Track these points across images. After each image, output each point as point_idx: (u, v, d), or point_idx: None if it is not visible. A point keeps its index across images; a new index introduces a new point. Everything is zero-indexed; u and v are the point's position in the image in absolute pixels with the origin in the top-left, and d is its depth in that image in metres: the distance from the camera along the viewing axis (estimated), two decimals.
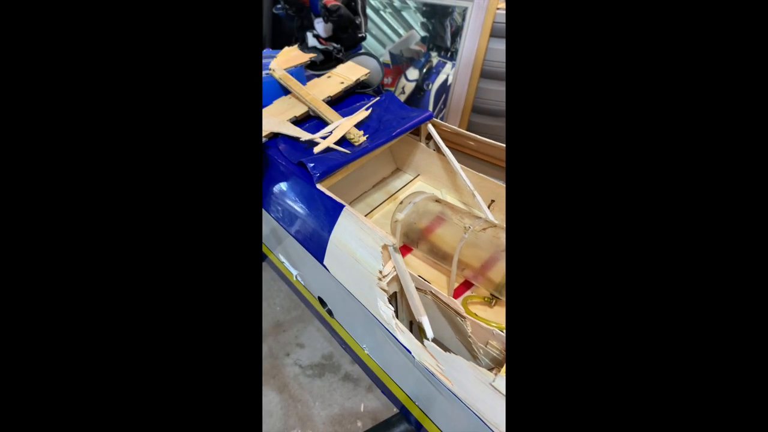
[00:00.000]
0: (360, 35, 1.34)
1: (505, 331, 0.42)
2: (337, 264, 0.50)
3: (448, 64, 1.70)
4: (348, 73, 0.66)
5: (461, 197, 0.66)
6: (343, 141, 0.56)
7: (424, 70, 1.72)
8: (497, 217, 0.63)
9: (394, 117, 0.61)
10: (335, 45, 1.16)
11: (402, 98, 1.71)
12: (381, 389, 0.67)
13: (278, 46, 1.02)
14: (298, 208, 0.54)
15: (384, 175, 0.71)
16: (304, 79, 0.67)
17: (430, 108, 1.77)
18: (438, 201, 0.58)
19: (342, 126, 0.56)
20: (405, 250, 0.60)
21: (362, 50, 1.31)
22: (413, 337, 0.44)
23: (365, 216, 0.66)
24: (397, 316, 0.45)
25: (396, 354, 0.48)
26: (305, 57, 0.67)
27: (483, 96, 1.68)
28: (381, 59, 1.64)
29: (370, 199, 0.68)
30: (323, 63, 1.05)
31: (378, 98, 0.65)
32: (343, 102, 0.65)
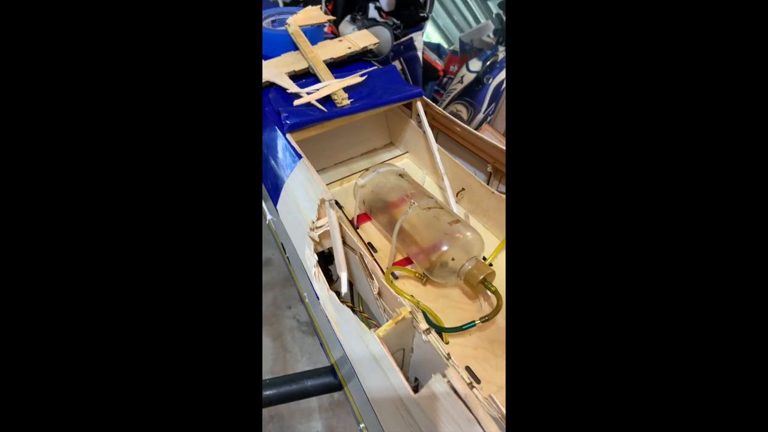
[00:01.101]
0: (422, 14, 1.34)
1: (417, 303, 0.44)
2: (286, 211, 0.54)
3: None
4: (359, 40, 0.68)
5: (438, 180, 0.66)
6: (328, 101, 0.59)
7: (488, 63, 1.68)
8: (464, 206, 0.62)
9: (387, 88, 0.62)
10: (395, 20, 1.17)
11: (459, 87, 1.68)
12: (320, 343, 0.71)
13: (348, 11, 1.05)
14: (269, 153, 0.58)
15: (376, 146, 0.73)
16: (320, 38, 0.70)
17: (485, 105, 1.73)
18: (401, 176, 0.59)
19: (330, 86, 0.59)
20: (365, 218, 0.62)
21: (421, 29, 1.31)
22: (325, 286, 0.46)
23: (342, 179, 0.69)
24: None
25: (319, 305, 0.51)
26: (324, 18, 0.70)
27: None
28: (452, 47, 1.63)
29: (355, 165, 0.70)
30: None
31: (377, 68, 0.66)
32: (347, 67, 0.67)
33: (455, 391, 0.32)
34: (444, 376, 0.33)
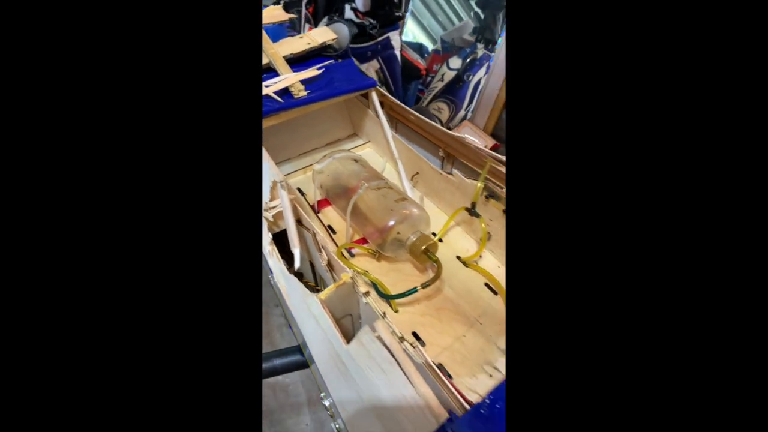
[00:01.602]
0: (397, 14, 1.38)
1: (365, 273, 0.47)
2: None
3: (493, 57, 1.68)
4: (318, 36, 0.72)
5: (396, 166, 0.70)
6: (286, 93, 0.63)
7: (467, 61, 1.72)
8: (420, 189, 0.66)
9: (344, 80, 0.66)
10: (371, 20, 1.21)
11: (440, 85, 1.73)
12: (289, 326, 0.74)
13: (328, 12, 1.08)
14: None
15: (339, 137, 0.77)
16: (283, 35, 0.74)
17: (466, 101, 1.77)
18: (356, 161, 0.62)
19: (288, 79, 0.63)
20: (325, 203, 0.66)
21: (398, 28, 1.34)
22: (279, 261, 0.50)
23: (306, 167, 0.72)
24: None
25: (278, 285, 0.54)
26: (285, 16, 0.74)
27: None
28: (435, 46, 1.67)
29: (319, 155, 0.74)
30: (357, 37, 1.10)
31: (334, 62, 0.70)
32: (306, 62, 0.71)
33: (380, 339, 0.35)
34: (373, 328, 0.36)
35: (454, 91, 1.71)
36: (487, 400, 0.31)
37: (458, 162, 0.64)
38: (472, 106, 1.70)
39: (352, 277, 0.44)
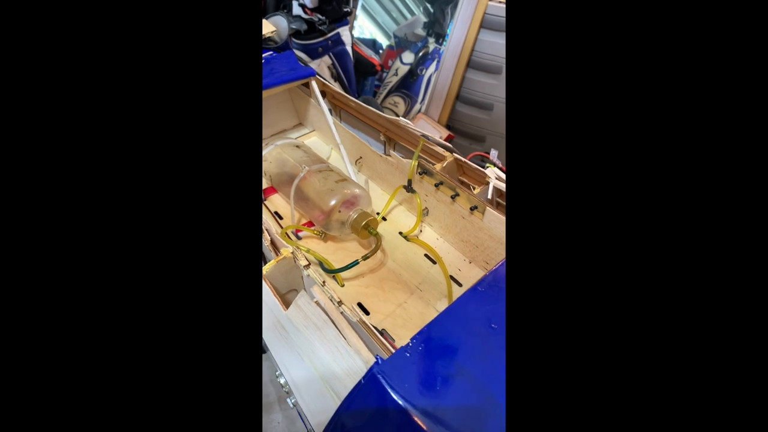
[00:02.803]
0: (345, 9, 1.41)
1: (308, 251, 0.50)
2: None
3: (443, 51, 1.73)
4: None
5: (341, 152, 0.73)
6: None
7: (420, 55, 1.77)
8: (364, 172, 0.69)
9: (284, 71, 0.68)
10: (320, 16, 1.23)
11: (394, 80, 1.76)
12: None
13: (276, 9, 1.09)
14: None
15: (285, 127, 0.79)
16: None
17: (420, 95, 1.82)
18: (298, 147, 0.65)
19: None
20: (272, 190, 0.68)
21: (347, 24, 1.36)
22: None
23: None
24: None
25: None
26: None
27: (470, 87, 1.71)
28: (389, 42, 1.70)
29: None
30: (307, 33, 1.12)
31: (274, 53, 0.72)
32: None
33: (318, 304, 0.38)
34: (310, 294, 0.39)
35: (408, 86, 1.75)
36: (410, 343, 0.34)
37: (399, 145, 0.67)
38: (426, 99, 1.75)
39: (292, 252, 0.46)
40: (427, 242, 0.58)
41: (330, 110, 0.73)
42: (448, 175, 0.54)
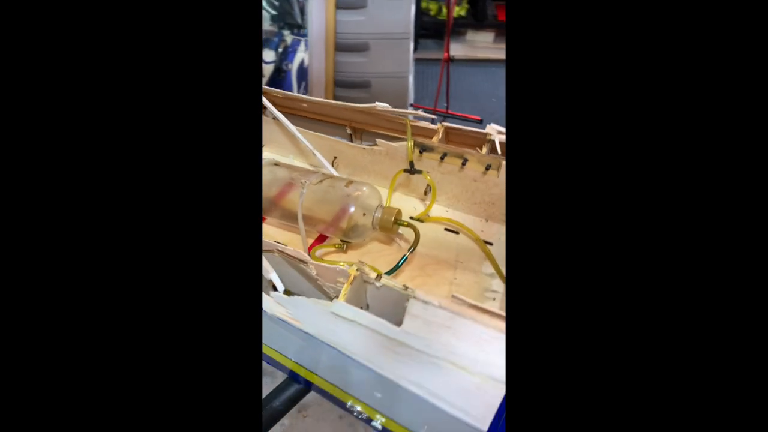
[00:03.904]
0: None
1: (351, 265, 0.46)
2: None
3: (303, 42, 1.68)
4: None
5: (308, 159, 0.68)
6: None
7: (280, 50, 1.68)
8: (342, 171, 0.66)
9: None
10: None
11: (263, 81, 1.65)
12: (267, 361, 0.68)
13: None
14: None
15: None
16: None
17: (294, 88, 1.74)
18: (277, 164, 0.59)
19: None
20: None
21: None
22: (268, 297, 0.45)
23: None
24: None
25: (266, 322, 0.49)
26: None
27: (342, 69, 1.70)
28: None
29: None
30: None
31: None
32: None
33: (431, 303, 0.36)
34: (415, 297, 0.37)
35: (279, 83, 1.68)
36: None
37: (367, 133, 0.65)
38: (303, 89, 1.70)
39: (358, 269, 0.43)
40: (441, 216, 0.59)
41: (273, 119, 0.67)
42: (452, 145, 0.55)
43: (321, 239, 0.57)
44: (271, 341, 0.55)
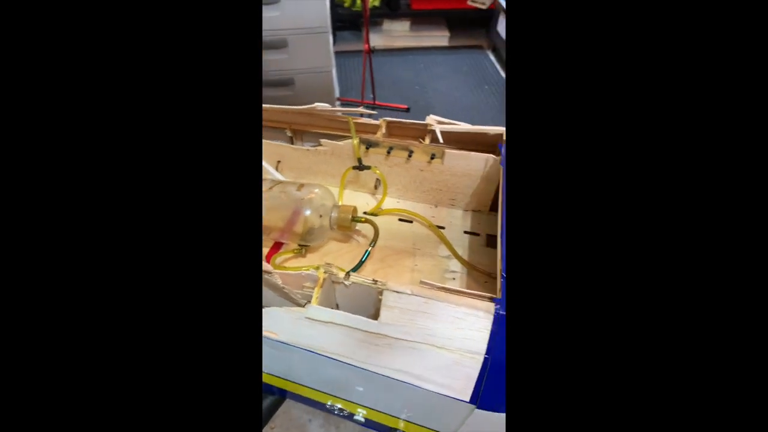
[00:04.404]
0: None
1: (317, 269, 0.46)
2: None
3: None
4: None
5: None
6: None
7: None
8: (288, 175, 0.65)
9: None
10: None
11: None
12: None
13: None
14: None
15: None
16: None
17: None
18: None
19: None
20: None
21: None
22: None
23: None
24: None
25: None
26: None
27: (263, 68, 1.64)
28: None
29: None
30: None
31: None
32: None
33: (404, 292, 0.38)
34: (388, 289, 0.38)
35: None
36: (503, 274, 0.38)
37: (308, 134, 0.65)
38: None
39: (325, 271, 0.43)
40: (394, 208, 0.61)
41: None
42: (396, 139, 0.56)
43: (277, 247, 0.57)
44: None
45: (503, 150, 0.51)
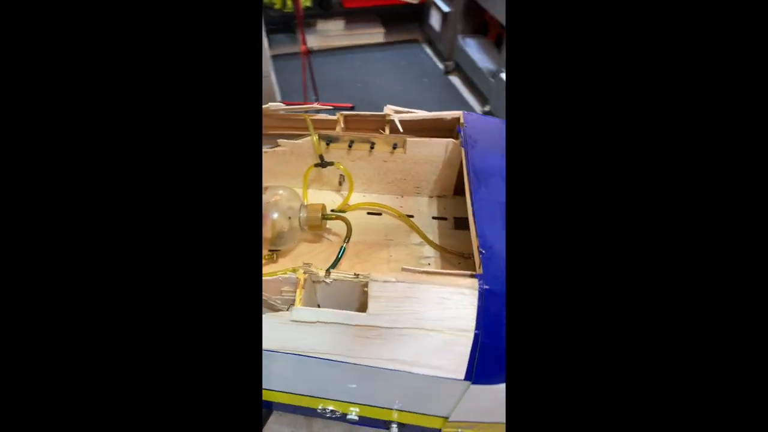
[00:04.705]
0: None
1: (295, 270, 0.45)
2: None
3: None
4: None
5: None
6: None
7: None
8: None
9: None
10: None
11: None
12: None
13: None
14: None
15: None
16: None
17: None
18: None
19: None
20: None
21: None
22: None
23: None
24: None
25: None
26: None
27: None
28: None
29: None
30: None
31: None
32: None
33: (389, 280, 0.38)
34: (374, 280, 0.38)
35: None
36: (482, 250, 0.39)
37: (266, 136, 0.63)
38: None
39: (305, 272, 0.42)
40: (352, 203, 0.61)
41: None
42: (355, 132, 0.56)
43: None
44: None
45: (462, 132, 0.53)
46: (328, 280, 0.43)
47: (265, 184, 0.63)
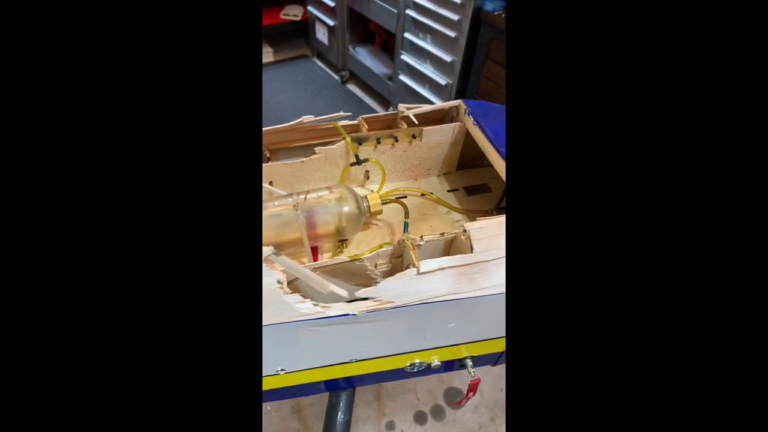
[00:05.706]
0: None
1: (382, 248, 0.53)
2: None
3: None
4: None
5: None
6: None
7: None
8: (284, 190, 0.68)
9: None
10: None
11: None
12: (300, 393, 0.67)
13: None
14: None
15: None
16: None
17: None
18: None
19: None
20: None
21: None
22: (343, 304, 0.48)
23: None
24: None
25: (318, 338, 0.51)
26: None
27: None
28: None
29: None
30: None
31: None
32: None
33: (481, 222, 0.50)
34: (470, 228, 0.49)
35: None
36: None
37: (283, 150, 0.68)
38: None
39: (399, 242, 0.51)
40: (383, 192, 0.70)
41: None
42: (380, 131, 0.66)
43: (315, 252, 0.60)
44: (296, 362, 0.56)
45: (472, 115, 0.66)
46: (421, 242, 0.52)
47: (305, 188, 0.69)
